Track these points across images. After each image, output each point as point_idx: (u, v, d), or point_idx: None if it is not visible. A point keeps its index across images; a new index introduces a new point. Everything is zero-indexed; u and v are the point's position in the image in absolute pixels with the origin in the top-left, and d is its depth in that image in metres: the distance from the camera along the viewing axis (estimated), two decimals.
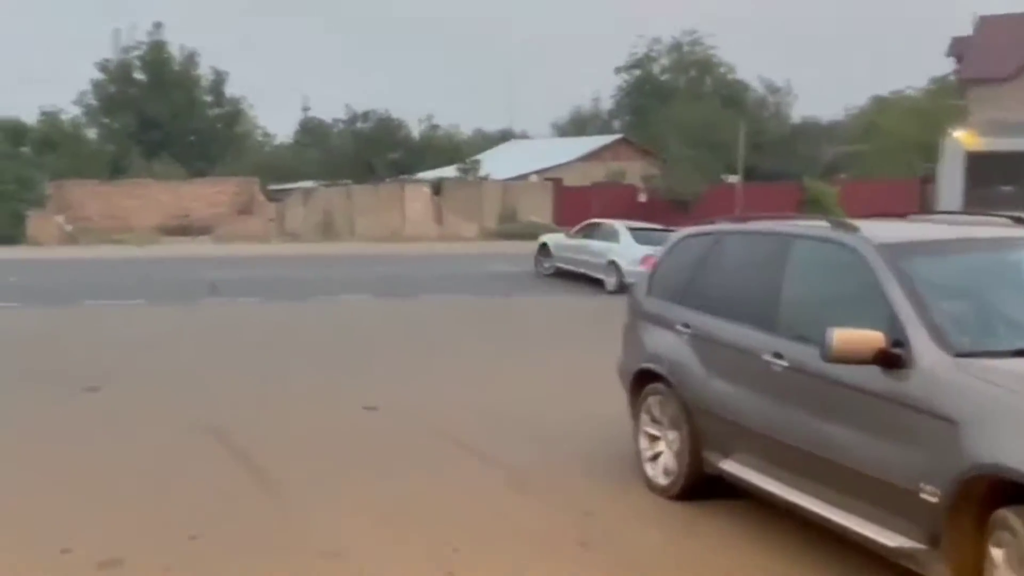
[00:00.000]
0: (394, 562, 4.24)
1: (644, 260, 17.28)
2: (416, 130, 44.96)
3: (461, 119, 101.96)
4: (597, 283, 17.38)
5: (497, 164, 40.30)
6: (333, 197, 33.34)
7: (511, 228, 33.09)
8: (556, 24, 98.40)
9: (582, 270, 18.70)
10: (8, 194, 29.32)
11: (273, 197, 35.31)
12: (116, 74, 42.56)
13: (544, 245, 20.37)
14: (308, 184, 37.92)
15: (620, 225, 19.39)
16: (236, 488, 5.33)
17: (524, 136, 58.34)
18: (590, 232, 19.35)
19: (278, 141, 54.64)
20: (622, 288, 17.05)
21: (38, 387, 8.11)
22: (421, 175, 39.40)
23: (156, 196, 33.58)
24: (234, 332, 11.69)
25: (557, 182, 36.95)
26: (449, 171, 38.92)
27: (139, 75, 43.20)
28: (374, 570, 4.16)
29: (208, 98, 44.89)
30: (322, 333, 11.72)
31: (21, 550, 4.30)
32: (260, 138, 53.76)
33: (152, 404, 7.53)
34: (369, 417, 7.09)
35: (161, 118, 41.39)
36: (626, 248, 18.29)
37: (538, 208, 34.35)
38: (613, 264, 17.85)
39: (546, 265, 19.91)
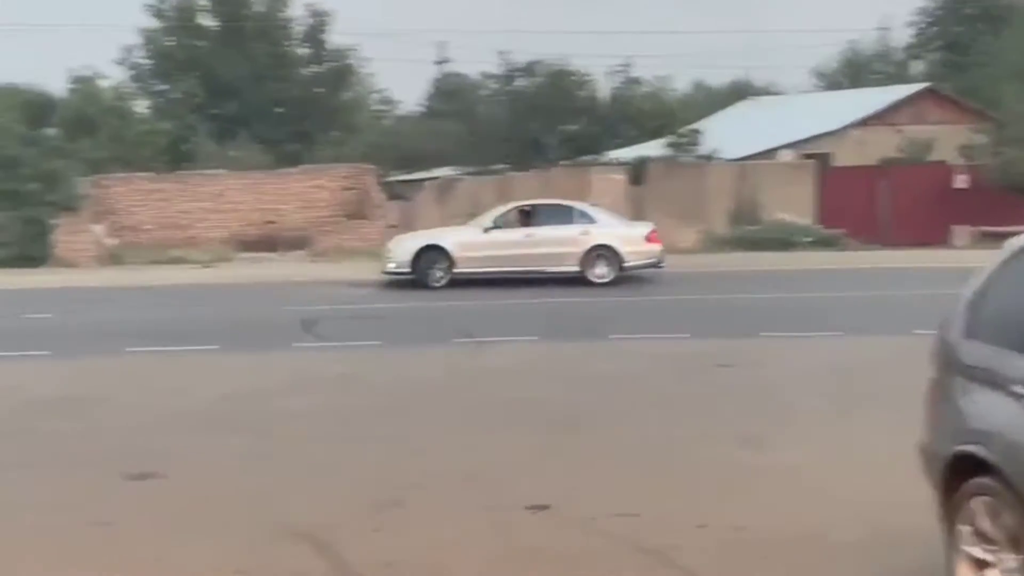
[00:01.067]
0: None
1: (650, 236, 23.68)
2: (606, 88, 45.50)
3: (673, 68, 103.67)
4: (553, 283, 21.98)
5: (729, 135, 40.68)
6: (482, 191, 35.06)
7: (750, 233, 34.09)
8: None
9: (528, 268, 22.72)
10: (27, 196, 31.17)
11: (396, 192, 37.13)
12: (175, 20, 45.54)
13: (434, 247, 23.27)
14: (445, 172, 39.55)
15: (583, 205, 24.70)
16: None
17: (770, 92, 58.88)
18: (527, 220, 23.57)
19: (404, 110, 57.46)
20: (620, 277, 22.57)
21: (62, 473, 8.69)
22: (613, 155, 40.45)
23: (231, 194, 35.58)
24: (339, 391, 12.30)
25: (822, 160, 37.39)
26: (655, 147, 39.76)
27: (207, 20, 46.17)
28: None
29: (303, 51, 47.47)
30: (470, 394, 12.19)
31: None
32: (378, 107, 56.83)
33: (223, 498, 7.95)
34: (536, 520, 7.29)
35: (238, 82, 44.03)
36: (613, 227, 23.49)
37: (793, 200, 35.10)
38: (603, 250, 22.65)
39: (439, 275, 22.85)
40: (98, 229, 32.02)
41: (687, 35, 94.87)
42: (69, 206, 32.54)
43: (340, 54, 48.31)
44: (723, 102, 55.79)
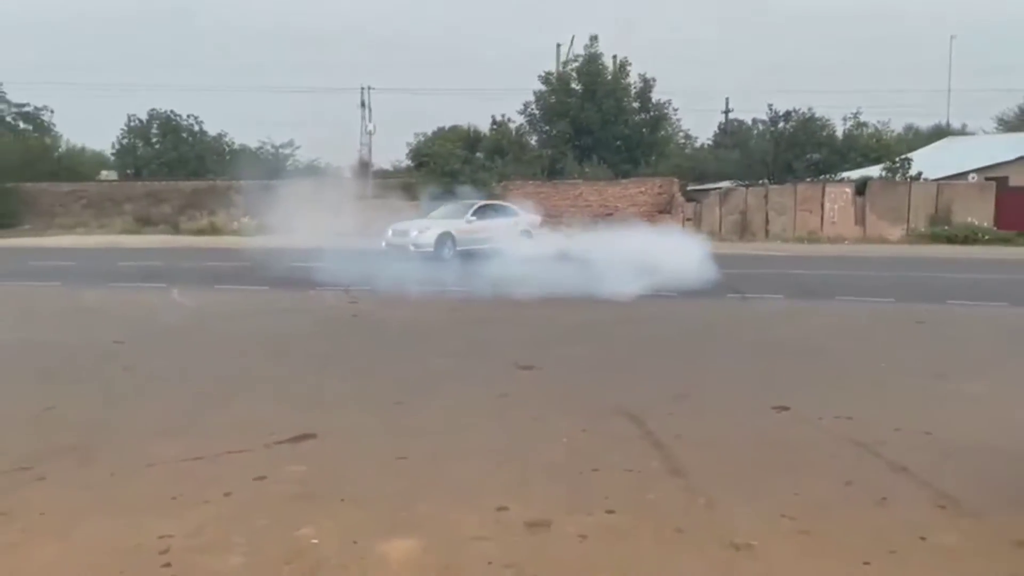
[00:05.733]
0: (808, 564, 5.59)
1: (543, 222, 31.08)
2: (840, 129, 50.78)
3: (891, 115, 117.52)
4: None
5: (930, 163, 45.43)
6: (750, 197, 42.39)
7: (944, 231, 39.22)
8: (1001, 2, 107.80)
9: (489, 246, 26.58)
10: (460, 197, 35.12)
11: (691, 197, 44.20)
12: (556, 85, 55.03)
13: (447, 233, 27.70)
14: (726, 185, 46.10)
15: (514, 204, 31.08)
16: (647, 470, 7.30)
17: (963, 132, 66.21)
18: (486, 215, 29.29)
19: (699, 143, 67.12)
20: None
21: (476, 363, 11.47)
22: (844, 175, 45.25)
23: (585, 196, 44.96)
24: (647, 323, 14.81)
25: (1001, 182, 42.46)
26: (874, 171, 44.74)
27: (576, 85, 55.01)
28: (785, 568, 5.57)
29: (635, 104, 55.28)
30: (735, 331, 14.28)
31: (462, 508, 6.54)
32: (681, 141, 64.73)
33: (577, 385, 10.22)
34: (782, 420, 8.79)
35: (592, 125, 52.89)
36: (529, 217, 30.71)
37: (977, 210, 40.36)
38: (525, 232, 28.65)
39: (448, 252, 27.27)
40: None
41: (903, 92, 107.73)
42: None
43: (659, 106, 55.21)
44: (928, 140, 61.75)
